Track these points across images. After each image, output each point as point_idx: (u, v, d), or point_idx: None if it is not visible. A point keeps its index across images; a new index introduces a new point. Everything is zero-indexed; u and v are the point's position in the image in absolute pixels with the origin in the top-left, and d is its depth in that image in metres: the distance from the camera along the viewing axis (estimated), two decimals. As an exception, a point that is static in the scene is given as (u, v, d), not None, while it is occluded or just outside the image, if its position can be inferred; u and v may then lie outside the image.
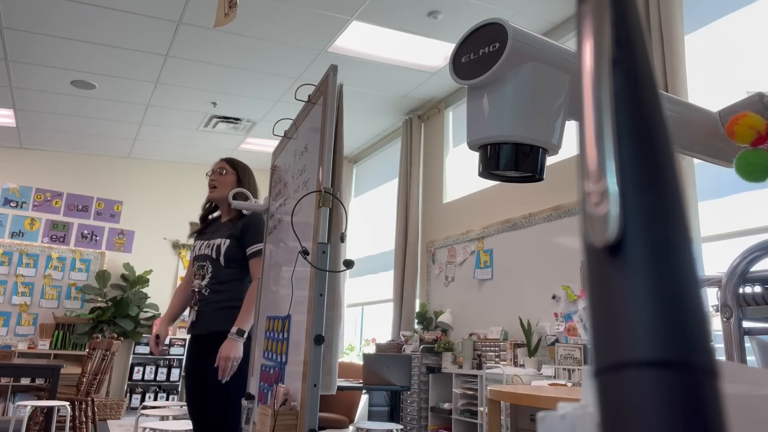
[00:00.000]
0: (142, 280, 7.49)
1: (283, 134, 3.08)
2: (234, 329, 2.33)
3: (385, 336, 6.18)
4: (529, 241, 4.72)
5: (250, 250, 2.49)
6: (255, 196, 2.67)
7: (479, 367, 4.64)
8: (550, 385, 3.37)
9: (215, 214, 2.77)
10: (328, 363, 2.09)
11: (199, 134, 7.08)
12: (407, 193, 6.30)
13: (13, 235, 7.35)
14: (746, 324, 1.16)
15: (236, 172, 2.67)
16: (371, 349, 5.97)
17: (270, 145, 6.86)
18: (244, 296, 2.47)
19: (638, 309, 0.25)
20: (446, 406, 4.87)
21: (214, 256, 2.50)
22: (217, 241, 2.52)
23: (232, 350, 2.30)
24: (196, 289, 2.54)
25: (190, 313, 2.57)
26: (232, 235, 2.50)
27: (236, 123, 6.72)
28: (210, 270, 2.51)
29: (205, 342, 2.46)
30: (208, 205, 2.76)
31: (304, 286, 2.19)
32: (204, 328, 2.47)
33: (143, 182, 7.98)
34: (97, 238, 7.73)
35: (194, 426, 2.53)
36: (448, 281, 5.65)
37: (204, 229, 2.70)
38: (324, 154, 2.20)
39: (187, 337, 2.66)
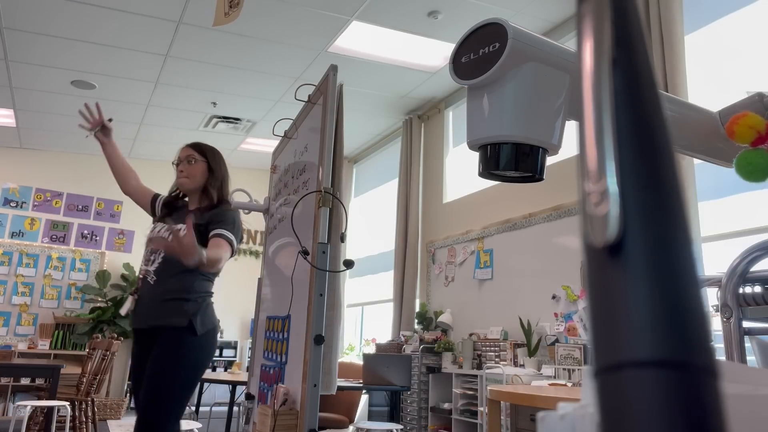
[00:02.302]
0: (142, 280, 7.48)
1: (283, 134, 3.08)
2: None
3: (385, 336, 6.18)
4: (529, 241, 4.71)
5: (214, 231, 2.20)
6: (226, 182, 2.44)
7: (479, 367, 4.64)
8: (550, 385, 3.37)
9: (185, 200, 2.52)
10: (328, 363, 2.09)
11: (199, 134, 7.07)
12: (407, 193, 6.30)
13: (13, 235, 7.35)
14: (746, 324, 1.16)
15: (206, 159, 2.40)
16: (371, 349, 5.96)
17: (270, 145, 6.85)
18: (193, 291, 2.21)
19: (638, 309, 0.25)
20: (446, 406, 4.87)
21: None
22: (177, 226, 2.25)
23: (187, 237, 1.94)
24: (142, 276, 2.29)
25: (130, 301, 2.30)
26: (196, 223, 2.21)
27: (236, 123, 6.72)
28: (161, 255, 2.26)
29: (146, 337, 2.22)
30: (176, 191, 2.50)
31: (304, 286, 2.19)
32: (143, 322, 2.23)
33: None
34: (97, 238, 7.73)
35: None
36: (448, 281, 5.65)
37: (169, 213, 2.45)
38: (324, 154, 2.20)
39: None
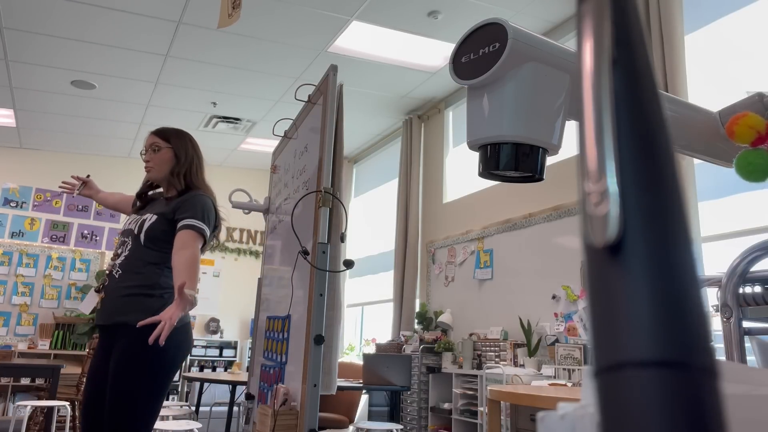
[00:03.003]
0: (142, 280, 7.48)
1: (283, 134, 3.08)
2: (179, 285, 1.86)
3: (385, 336, 6.18)
4: (529, 241, 4.72)
5: (181, 222, 2.06)
6: (196, 165, 2.29)
7: (479, 367, 4.64)
8: (550, 385, 3.37)
9: (159, 190, 2.38)
10: (328, 363, 2.09)
11: (199, 134, 7.07)
12: (407, 193, 6.30)
13: (13, 235, 7.35)
14: (746, 324, 1.16)
15: (170, 144, 2.25)
16: (371, 349, 5.97)
17: (270, 145, 6.85)
18: (158, 286, 2.06)
19: (638, 309, 0.25)
20: (446, 406, 4.87)
21: (135, 231, 2.12)
22: (145, 216, 2.14)
23: (174, 309, 1.84)
24: (108, 271, 2.15)
25: (93, 297, 2.19)
26: (162, 213, 2.12)
27: (236, 123, 6.72)
28: (128, 248, 2.12)
29: (108, 335, 2.07)
30: (148, 184, 2.36)
31: (304, 286, 2.19)
32: (106, 317, 2.08)
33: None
34: (97, 238, 7.73)
35: None
36: (448, 281, 5.65)
37: (143, 206, 2.33)
38: (324, 154, 2.20)
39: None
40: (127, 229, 2.17)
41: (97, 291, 2.17)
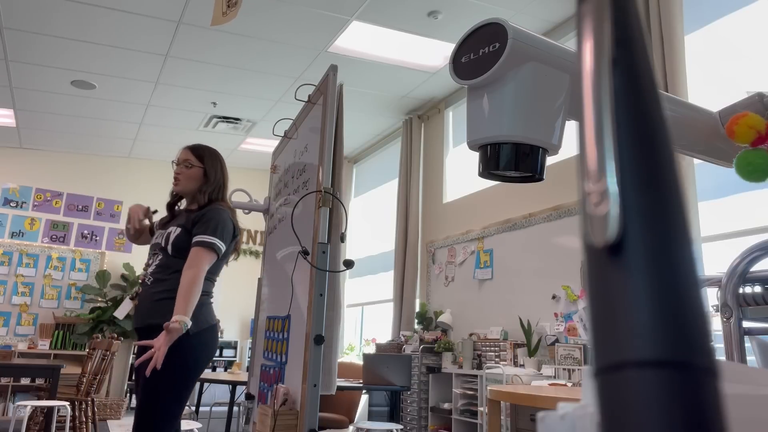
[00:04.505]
0: (142, 280, 7.48)
1: (283, 134, 3.08)
2: (174, 318, 2.08)
3: (385, 336, 6.19)
4: (529, 241, 4.72)
5: (195, 238, 2.26)
6: (222, 185, 2.48)
7: (479, 367, 4.64)
8: (550, 385, 3.37)
9: (182, 205, 2.58)
10: (328, 363, 2.09)
11: (199, 134, 7.08)
12: (407, 193, 6.30)
13: (13, 235, 7.35)
14: (746, 324, 1.16)
15: (203, 164, 2.43)
16: (371, 349, 5.97)
17: (270, 145, 6.85)
18: None
19: (638, 309, 0.25)
20: (446, 406, 4.87)
21: (163, 244, 2.34)
22: (170, 229, 2.36)
23: (162, 340, 2.04)
24: (141, 280, 2.40)
25: (129, 304, 2.48)
26: (184, 225, 2.32)
27: (236, 123, 6.72)
28: (159, 258, 2.35)
29: (143, 336, 2.28)
30: (175, 195, 2.55)
31: (304, 286, 2.19)
32: (140, 320, 2.31)
33: (143, 182, 7.98)
34: (97, 238, 7.73)
35: None
36: (448, 281, 5.65)
37: (171, 218, 2.51)
38: (324, 154, 2.20)
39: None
40: (156, 243, 2.40)
41: (132, 298, 2.40)
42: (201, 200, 2.39)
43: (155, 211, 2.59)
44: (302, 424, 1.92)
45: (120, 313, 2.43)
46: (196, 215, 2.33)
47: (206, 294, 2.32)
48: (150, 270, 2.35)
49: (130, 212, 2.56)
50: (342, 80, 2.30)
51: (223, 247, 2.28)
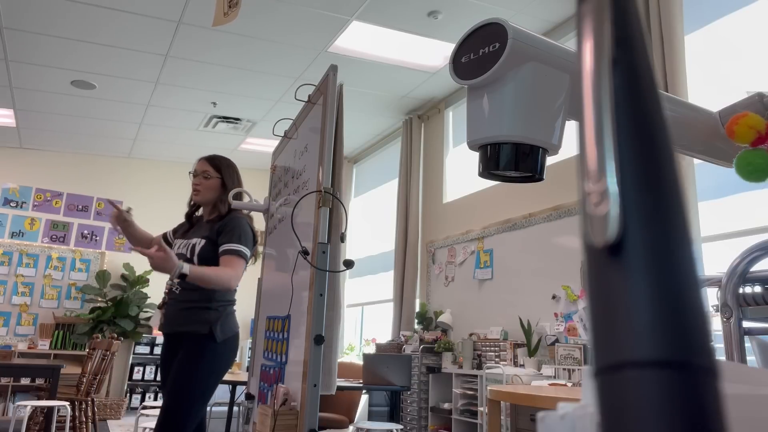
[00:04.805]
0: (142, 280, 7.48)
1: (283, 134, 3.08)
2: (185, 266, 2.16)
3: (385, 336, 6.18)
4: (529, 241, 4.71)
5: (222, 247, 2.38)
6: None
7: (479, 367, 4.64)
8: (550, 385, 3.37)
9: (199, 213, 2.70)
10: (328, 363, 2.09)
11: (199, 134, 7.08)
12: (407, 193, 6.30)
13: (13, 235, 7.35)
14: (746, 324, 1.16)
15: (221, 175, 2.56)
16: (371, 349, 5.97)
17: (270, 145, 6.85)
18: (214, 300, 2.40)
19: (638, 309, 0.25)
20: (446, 406, 4.87)
21: (188, 255, 2.44)
22: (194, 240, 2.47)
23: (167, 259, 2.09)
24: (167, 289, 2.51)
25: (162, 311, 2.56)
26: (208, 236, 2.44)
27: (236, 123, 6.72)
28: None
29: (174, 340, 2.45)
30: (193, 204, 2.67)
31: (304, 286, 2.19)
32: (170, 327, 2.45)
33: (143, 182, 7.98)
34: (97, 238, 7.73)
35: None
36: (448, 281, 5.65)
37: (190, 228, 2.64)
38: (324, 154, 2.20)
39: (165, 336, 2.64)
40: (180, 254, 2.47)
41: (159, 308, 2.54)
42: (223, 209, 2.52)
43: (129, 210, 2.66)
44: (302, 424, 1.92)
45: (156, 324, 2.61)
46: (220, 225, 2.45)
47: (230, 303, 2.48)
48: (177, 280, 2.37)
49: (110, 222, 2.67)
50: (342, 80, 2.30)
51: (248, 254, 2.44)
